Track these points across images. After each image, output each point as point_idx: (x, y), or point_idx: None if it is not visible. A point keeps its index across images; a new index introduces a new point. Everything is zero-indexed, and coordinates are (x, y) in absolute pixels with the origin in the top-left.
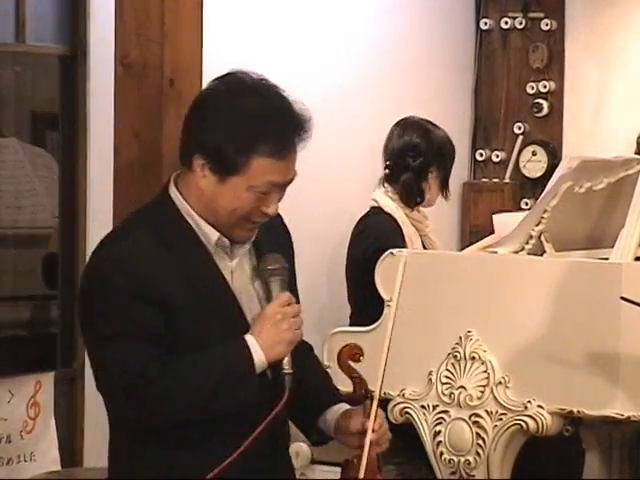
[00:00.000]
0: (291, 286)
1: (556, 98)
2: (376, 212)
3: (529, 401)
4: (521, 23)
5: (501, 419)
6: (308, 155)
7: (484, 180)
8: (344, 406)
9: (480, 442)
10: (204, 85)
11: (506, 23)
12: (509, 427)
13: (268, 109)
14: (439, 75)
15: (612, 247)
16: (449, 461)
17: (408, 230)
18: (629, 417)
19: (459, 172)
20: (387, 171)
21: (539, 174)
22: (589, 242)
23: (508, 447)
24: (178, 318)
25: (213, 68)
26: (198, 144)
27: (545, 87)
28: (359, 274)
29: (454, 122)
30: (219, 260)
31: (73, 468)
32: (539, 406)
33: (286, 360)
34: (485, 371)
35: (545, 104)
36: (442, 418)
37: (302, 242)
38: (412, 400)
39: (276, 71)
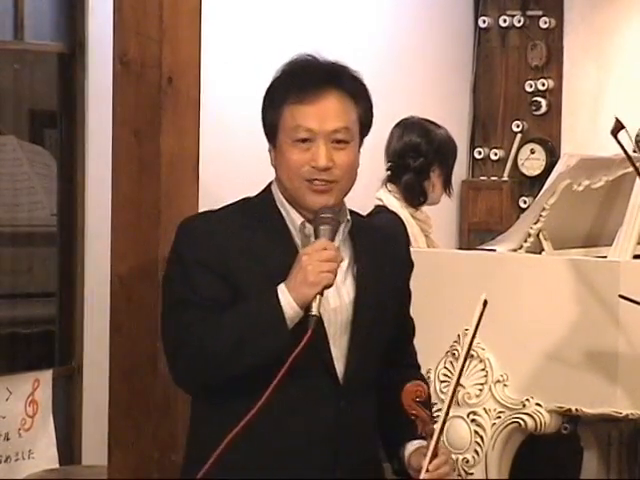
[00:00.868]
0: (404, 301)
1: (554, 96)
2: (381, 210)
3: (527, 399)
4: (520, 21)
5: (499, 417)
6: None
7: (482, 178)
8: (421, 442)
9: (478, 440)
10: (202, 83)
11: (505, 21)
12: (507, 425)
13: (297, 63)
14: (437, 73)
15: (610, 245)
16: None
17: (413, 230)
18: (627, 415)
19: (457, 170)
20: (389, 172)
21: (537, 172)
22: (587, 240)
23: (506, 445)
24: (243, 297)
25: (212, 66)
26: (264, 130)
27: (543, 85)
28: None
29: (452, 120)
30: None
31: (71, 466)
32: (537, 404)
33: (315, 303)
34: (483, 369)
35: (543, 102)
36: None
37: None
38: None
39: (275, 69)
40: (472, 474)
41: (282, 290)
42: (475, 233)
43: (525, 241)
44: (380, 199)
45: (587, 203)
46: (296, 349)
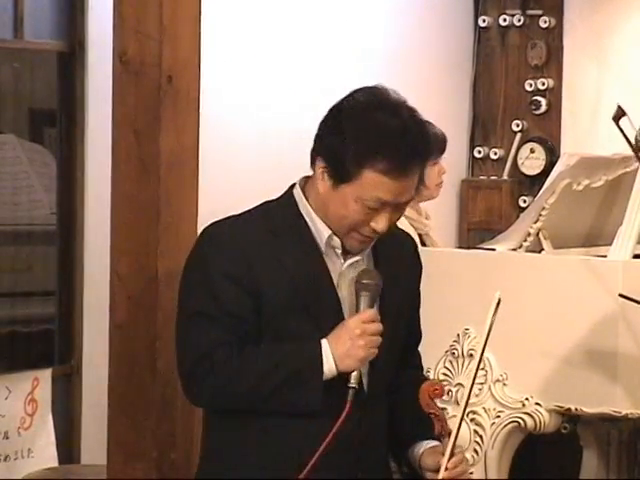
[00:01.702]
0: (416, 304)
1: (554, 95)
2: None
3: (527, 398)
4: (519, 20)
5: (499, 416)
6: (307, 155)
7: (482, 177)
8: (433, 442)
9: (478, 439)
10: (202, 82)
11: (504, 20)
12: (507, 424)
13: (395, 128)
14: (437, 72)
15: (610, 245)
16: None
17: (405, 228)
18: (627, 414)
19: (457, 169)
20: None
21: (537, 171)
22: (587, 239)
23: (506, 444)
24: (268, 307)
25: (211, 65)
26: (322, 147)
27: (543, 84)
28: None
29: (452, 119)
30: (329, 260)
31: (70, 465)
32: (537, 403)
33: (354, 374)
34: (483, 368)
35: (543, 101)
36: None
37: None
38: None
39: (275, 69)
40: (471, 473)
41: (326, 353)
42: (475, 232)
43: (525, 240)
44: None
45: (587, 202)
46: (335, 423)
